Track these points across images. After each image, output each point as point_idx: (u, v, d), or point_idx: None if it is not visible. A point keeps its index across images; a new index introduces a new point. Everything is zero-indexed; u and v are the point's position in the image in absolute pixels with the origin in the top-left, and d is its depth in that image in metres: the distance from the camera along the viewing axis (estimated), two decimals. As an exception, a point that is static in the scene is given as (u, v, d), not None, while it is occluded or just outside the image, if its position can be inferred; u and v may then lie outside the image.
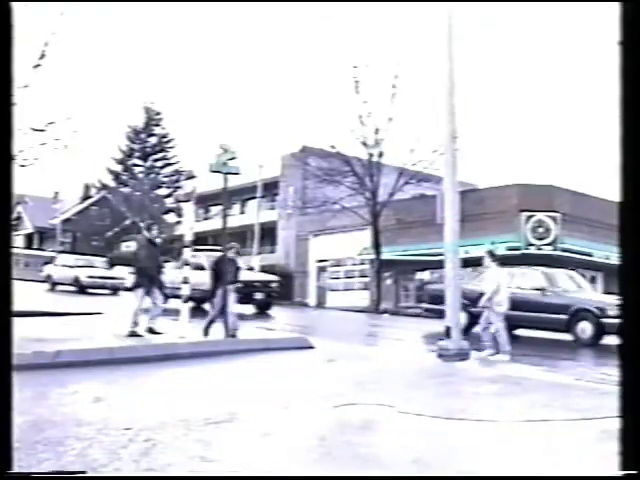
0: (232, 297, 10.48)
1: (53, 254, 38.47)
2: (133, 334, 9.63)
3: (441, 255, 9.72)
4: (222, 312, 10.11)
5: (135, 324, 9.82)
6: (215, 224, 36.48)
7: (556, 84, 72.58)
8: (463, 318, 10.46)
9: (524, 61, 78.79)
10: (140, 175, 52.30)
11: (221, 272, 10.38)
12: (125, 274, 33.66)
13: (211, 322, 10.48)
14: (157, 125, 54.46)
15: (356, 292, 29.48)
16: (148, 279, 10.00)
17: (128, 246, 47.72)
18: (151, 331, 9.92)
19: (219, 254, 11.12)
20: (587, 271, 24.89)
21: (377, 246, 26.49)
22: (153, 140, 54.28)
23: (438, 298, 10.86)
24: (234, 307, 10.52)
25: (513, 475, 3.66)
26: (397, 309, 26.78)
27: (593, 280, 25.17)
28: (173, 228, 45.29)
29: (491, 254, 9.80)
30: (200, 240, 38.19)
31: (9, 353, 2.80)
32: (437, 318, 11.79)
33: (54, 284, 25.39)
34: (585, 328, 12.15)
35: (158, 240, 11.31)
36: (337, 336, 8.13)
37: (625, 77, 2.83)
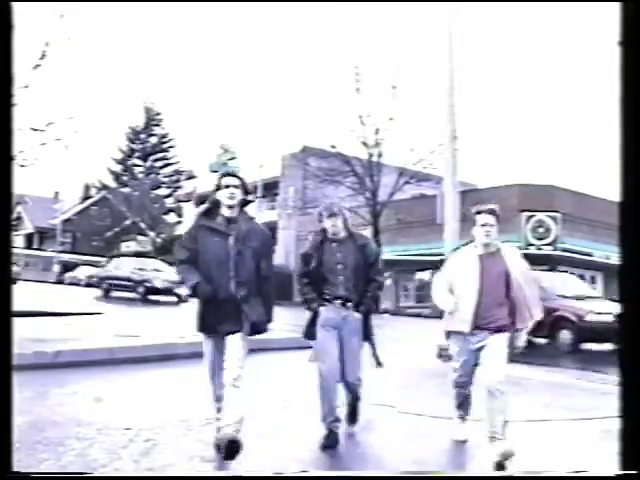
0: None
1: (53, 254, 38.48)
2: None
3: (441, 255, 9.69)
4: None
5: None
6: (215, 224, 36.43)
7: (556, 84, 72.61)
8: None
9: (525, 61, 78.81)
10: (140, 175, 52.32)
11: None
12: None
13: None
14: (157, 125, 54.52)
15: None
16: None
17: (128, 246, 47.73)
18: None
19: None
20: (587, 271, 24.89)
21: (377, 246, 26.50)
22: (153, 140, 54.34)
23: None
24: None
25: (513, 475, 3.66)
26: (397, 309, 26.80)
27: (593, 280, 25.20)
28: (173, 228, 45.31)
29: None
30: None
31: (9, 353, 2.80)
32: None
33: None
34: None
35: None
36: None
37: (625, 77, 2.83)
